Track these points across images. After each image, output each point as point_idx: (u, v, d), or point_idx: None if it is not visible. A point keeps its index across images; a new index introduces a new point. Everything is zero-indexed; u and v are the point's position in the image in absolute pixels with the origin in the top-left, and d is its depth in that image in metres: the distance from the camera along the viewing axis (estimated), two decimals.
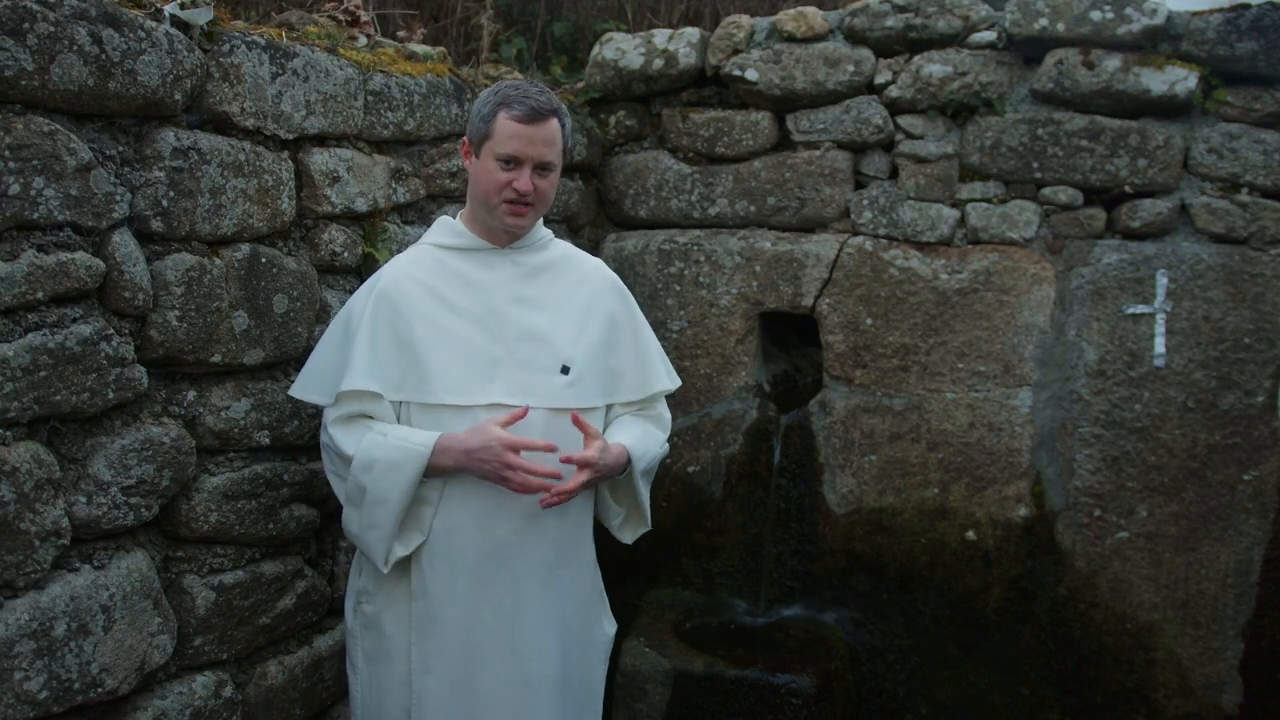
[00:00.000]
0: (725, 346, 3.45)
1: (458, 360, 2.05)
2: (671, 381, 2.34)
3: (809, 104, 3.36)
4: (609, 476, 2.11)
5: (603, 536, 2.33)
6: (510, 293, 2.13)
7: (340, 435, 2.05)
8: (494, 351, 2.07)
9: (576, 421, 2.05)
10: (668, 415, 2.36)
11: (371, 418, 2.07)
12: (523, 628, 2.07)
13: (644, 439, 2.20)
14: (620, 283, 2.31)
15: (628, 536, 2.33)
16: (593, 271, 2.27)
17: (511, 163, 2.04)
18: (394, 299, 2.07)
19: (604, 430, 2.21)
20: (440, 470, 2.00)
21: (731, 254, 3.43)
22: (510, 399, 2.05)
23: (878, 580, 3.34)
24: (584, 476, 2.01)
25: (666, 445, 2.33)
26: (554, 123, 2.06)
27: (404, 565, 2.08)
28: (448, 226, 2.19)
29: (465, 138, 2.13)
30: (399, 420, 2.07)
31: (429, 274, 2.11)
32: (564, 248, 2.27)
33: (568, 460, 2.01)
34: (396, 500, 1.99)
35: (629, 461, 2.13)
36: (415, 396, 2.04)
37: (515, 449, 1.96)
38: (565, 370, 2.10)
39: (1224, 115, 3.08)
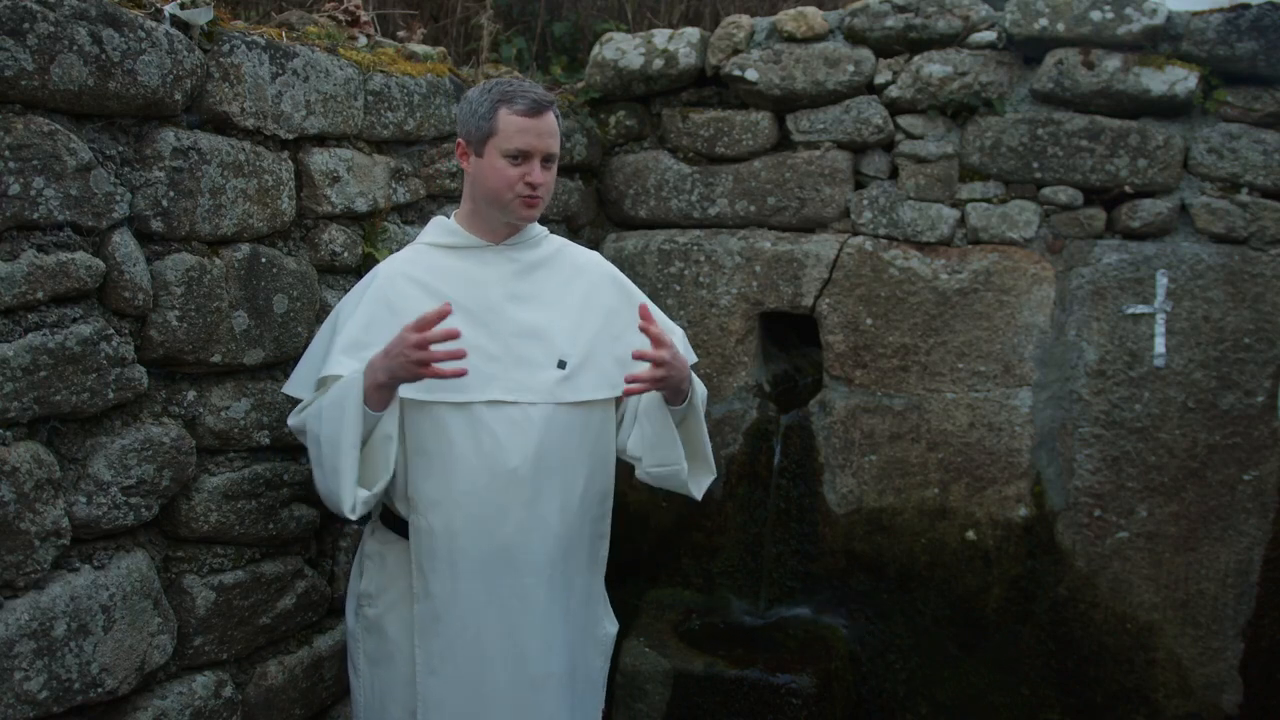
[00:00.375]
0: (725, 346, 3.45)
1: None
2: (689, 355, 2.27)
3: (809, 104, 3.36)
4: (680, 374, 2.01)
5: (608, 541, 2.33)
6: (506, 289, 2.12)
7: (298, 412, 2.08)
8: (491, 348, 2.06)
9: (643, 311, 1.99)
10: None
11: None
12: (528, 627, 2.07)
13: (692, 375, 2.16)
14: (619, 273, 2.29)
15: (696, 489, 2.21)
16: (589, 264, 2.26)
17: (520, 157, 2.04)
18: (388, 297, 2.06)
19: (630, 412, 2.18)
20: (377, 387, 1.92)
21: (731, 254, 3.43)
22: (508, 396, 2.04)
23: (878, 580, 3.34)
24: (665, 353, 1.95)
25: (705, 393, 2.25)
26: (552, 115, 2.08)
27: (406, 566, 2.08)
28: (442, 226, 2.19)
29: (460, 138, 2.12)
30: (399, 418, 2.06)
31: (424, 272, 2.11)
32: (559, 242, 2.26)
33: (645, 345, 1.97)
34: (350, 434, 1.93)
35: (690, 378, 2.07)
36: (411, 393, 2.02)
37: (420, 329, 1.85)
38: (561, 365, 2.09)
39: (1224, 115, 3.07)
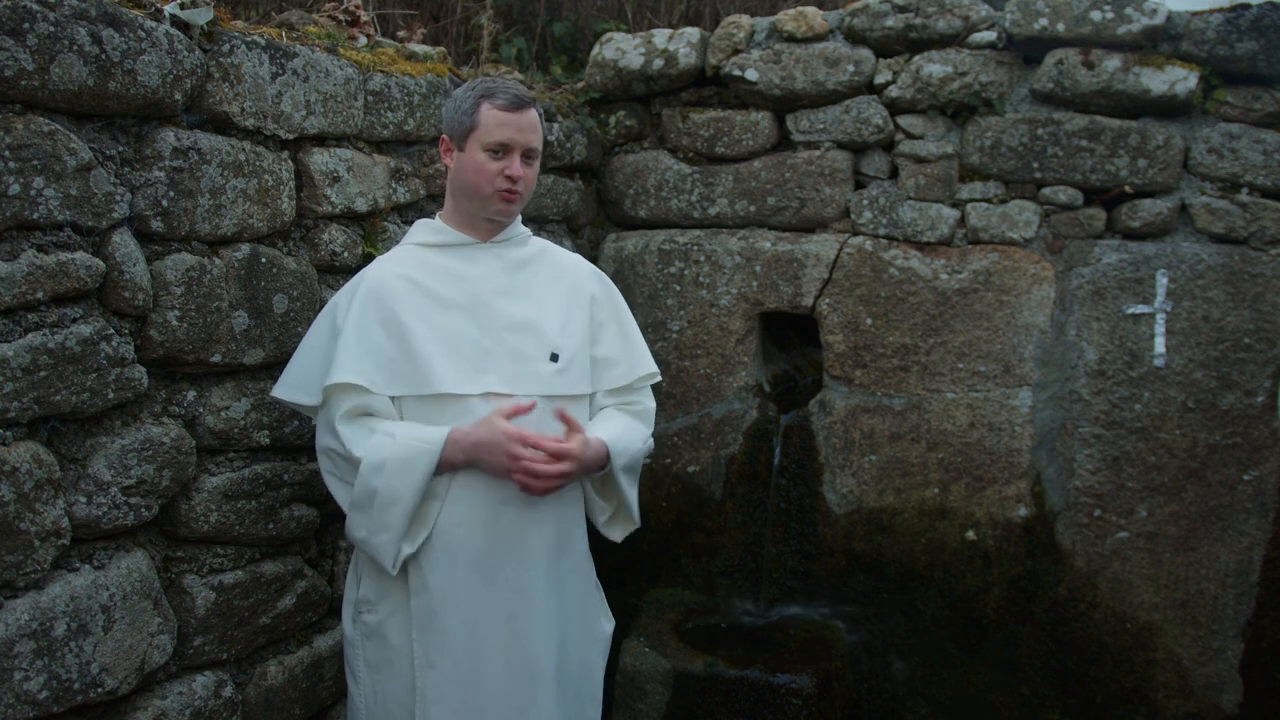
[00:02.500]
0: (725, 346, 3.45)
1: (449, 352, 2.06)
2: (655, 367, 2.35)
3: (809, 104, 3.36)
4: (589, 470, 2.12)
5: (603, 537, 2.33)
6: (495, 285, 2.15)
7: (349, 435, 2.02)
8: (484, 343, 2.09)
9: (563, 417, 2.07)
10: (653, 406, 2.35)
11: (370, 415, 2.06)
12: (526, 620, 2.07)
13: (625, 434, 2.20)
14: (600, 273, 2.34)
15: (616, 534, 2.32)
16: (572, 264, 2.30)
17: (501, 151, 2.08)
18: (380, 296, 2.08)
19: (589, 418, 2.25)
20: (451, 465, 2.01)
21: (731, 254, 3.43)
22: (503, 388, 2.07)
23: (878, 580, 3.34)
24: (564, 466, 2.02)
25: (651, 441, 2.32)
26: (534, 111, 2.12)
27: (403, 567, 2.08)
28: (428, 226, 2.22)
29: (444, 134, 2.16)
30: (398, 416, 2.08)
31: (414, 271, 2.13)
32: (543, 244, 2.30)
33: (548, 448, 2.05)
34: (409, 499, 1.99)
35: (608, 457, 2.13)
36: (411, 389, 2.05)
37: (522, 442, 1.97)
38: (554, 358, 2.12)
39: (1224, 115, 3.08)
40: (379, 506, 2.00)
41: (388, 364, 2.05)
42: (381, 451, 1.99)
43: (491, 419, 2.00)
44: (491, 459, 1.99)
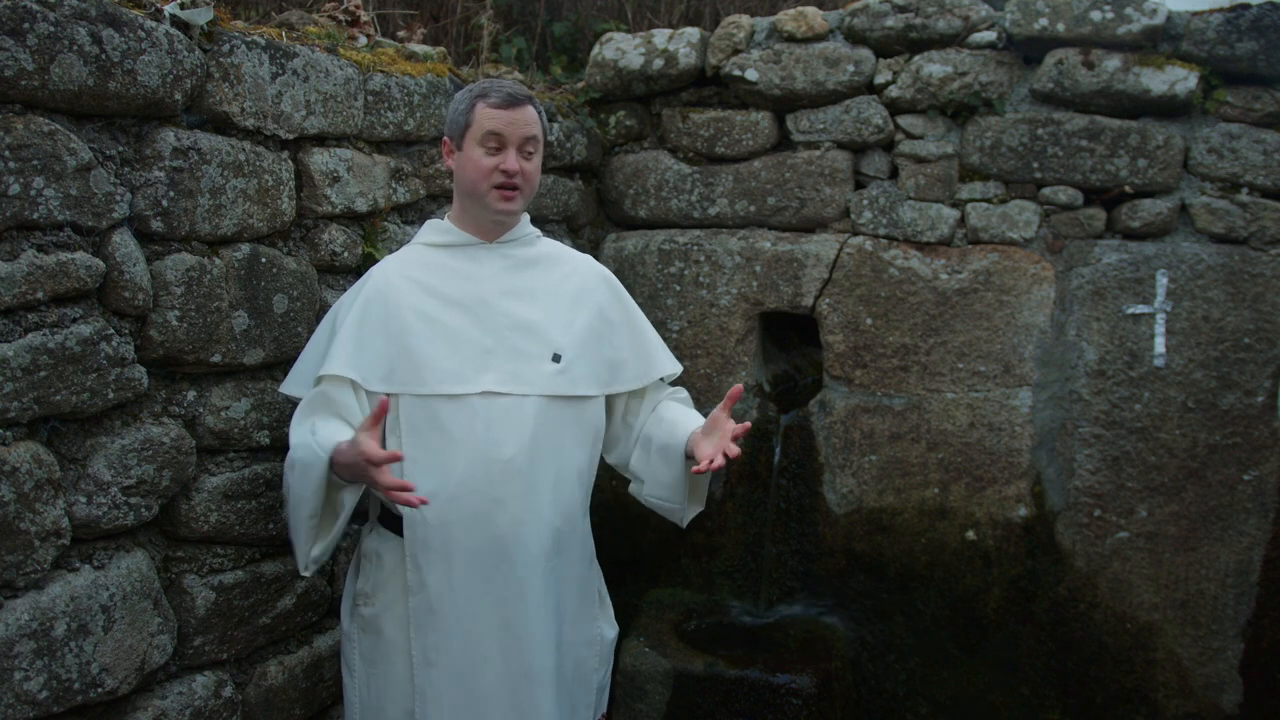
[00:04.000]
0: (725, 346, 3.45)
1: (449, 351, 2.07)
2: (674, 365, 2.34)
3: (809, 104, 3.36)
4: None
5: (602, 537, 2.33)
6: (500, 284, 2.15)
7: (293, 423, 2.06)
8: (485, 342, 2.09)
9: (735, 394, 2.03)
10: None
11: (334, 404, 2.04)
12: (523, 619, 2.07)
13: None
14: (610, 275, 2.32)
15: (684, 520, 2.30)
16: (581, 265, 2.29)
17: (496, 146, 2.08)
18: (385, 294, 2.09)
19: (620, 419, 2.27)
20: (342, 474, 1.94)
21: (731, 254, 3.43)
22: (502, 387, 2.07)
23: (878, 580, 3.34)
24: (736, 448, 2.01)
25: None
26: (530, 108, 2.11)
27: (402, 565, 2.08)
28: (436, 227, 2.22)
29: (445, 137, 2.17)
30: (393, 412, 2.06)
31: (419, 270, 2.14)
32: (552, 244, 2.30)
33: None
34: (309, 502, 1.97)
35: None
36: (407, 388, 2.05)
37: (374, 462, 1.83)
38: (556, 359, 2.11)
39: (1224, 115, 3.08)
40: (292, 505, 2.02)
41: (385, 361, 2.06)
42: (297, 451, 1.99)
43: (356, 438, 1.87)
44: (361, 475, 1.89)
